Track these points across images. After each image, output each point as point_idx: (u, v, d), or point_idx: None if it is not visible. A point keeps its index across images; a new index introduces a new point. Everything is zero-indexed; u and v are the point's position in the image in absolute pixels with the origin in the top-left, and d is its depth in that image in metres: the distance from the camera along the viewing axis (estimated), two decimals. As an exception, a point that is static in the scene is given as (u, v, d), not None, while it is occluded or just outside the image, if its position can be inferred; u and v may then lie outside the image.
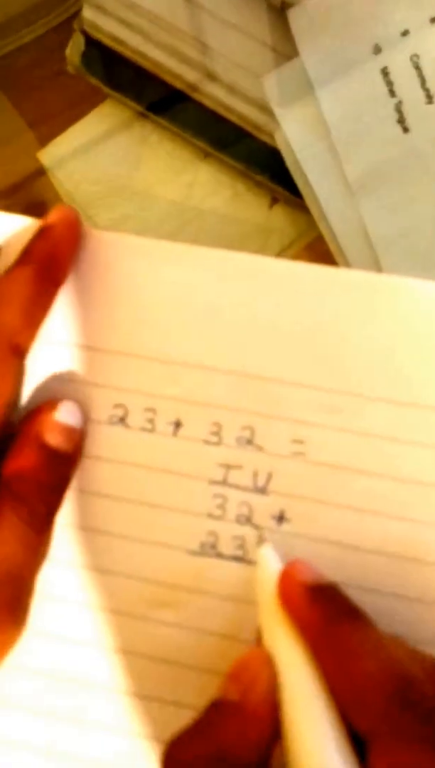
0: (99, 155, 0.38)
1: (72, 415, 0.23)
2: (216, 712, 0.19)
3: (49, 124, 0.39)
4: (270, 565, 0.22)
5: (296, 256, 0.38)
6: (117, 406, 0.24)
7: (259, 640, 0.21)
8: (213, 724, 0.19)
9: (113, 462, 0.24)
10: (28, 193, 0.39)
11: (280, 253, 0.38)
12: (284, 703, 0.19)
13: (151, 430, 0.24)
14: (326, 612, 0.20)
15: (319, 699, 0.19)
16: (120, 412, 0.24)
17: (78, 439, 0.23)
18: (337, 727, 0.18)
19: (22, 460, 0.22)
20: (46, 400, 0.24)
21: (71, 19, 0.37)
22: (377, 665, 0.18)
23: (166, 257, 0.24)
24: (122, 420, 0.24)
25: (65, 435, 0.23)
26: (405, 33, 0.35)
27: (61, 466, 0.23)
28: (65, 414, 0.23)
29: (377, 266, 0.34)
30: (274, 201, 0.38)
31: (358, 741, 0.18)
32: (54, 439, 0.23)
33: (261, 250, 0.37)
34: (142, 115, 0.37)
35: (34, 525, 0.22)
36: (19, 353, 0.23)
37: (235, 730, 0.19)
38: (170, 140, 0.38)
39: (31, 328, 0.23)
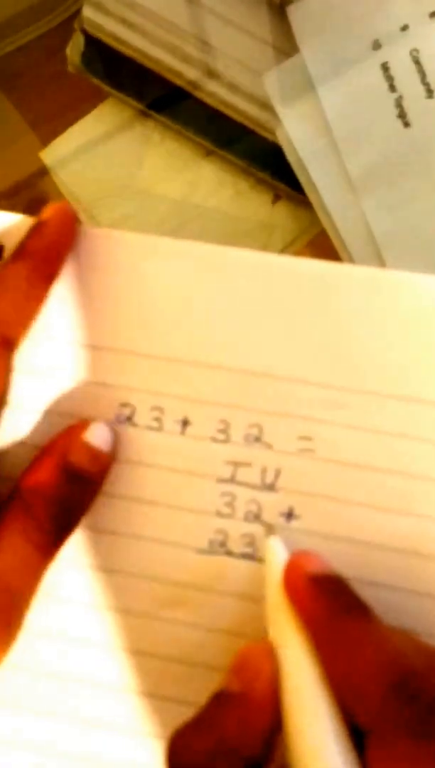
0: (101, 154, 0.38)
1: (102, 438, 0.23)
2: (218, 704, 0.19)
3: (51, 125, 0.38)
4: (277, 555, 0.22)
5: (299, 253, 0.37)
6: (124, 405, 0.24)
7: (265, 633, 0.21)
8: (215, 716, 0.19)
9: (120, 461, 0.23)
10: (31, 193, 0.39)
11: (284, 250, 0.37)
12: (285, 694, 0.19)
13: (159, 429, 0.23)
14: (329, 603, 0.20)
15: (320, 691, 0.18)
16: (127, 411, 0.23)
17: (104, 464, 0.23)
18: (336, 719, 0.18)
19: (41, 474, 0.22)
20: (78, 421, 0.23)
21: (71, 19, 0.37)
22: (378, 658, 0.18)
23: (171, 255, 0.24)
24: (129, 419, 0.23)
25: (90, 457, 0.22)
26: (404, 28, 0.34)
27: (80, 488, 0.22)
28: (94, 436, 0.23)
29: (380, 261, 0.34)
30: (277, 198, 0.37)
31: (358, 734, 0.18)
32: (78, 459, 0.22)
33: (264, 246, 0.37)
34: (143, 114, 0.37)
35: (40, 544, 0.21)
36: (8, 346, 0.23)
37: (238, 722, 0.18)
38: (172, 139, 0.37)
39: (23, 321, 0.23)
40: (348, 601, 0.20)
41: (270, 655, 0.20)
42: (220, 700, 0.19)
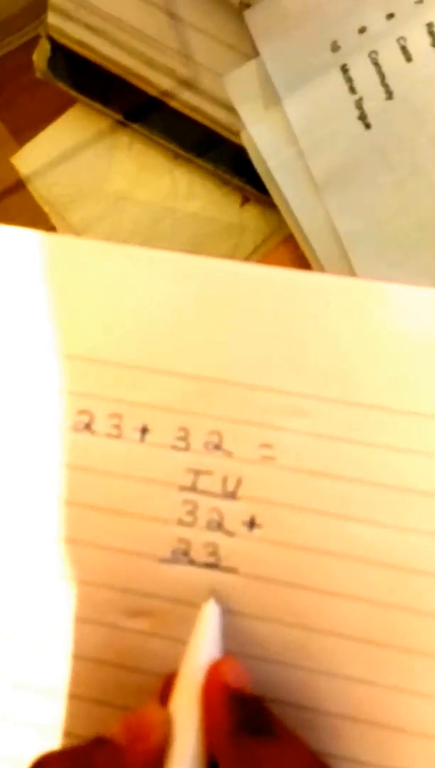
0: (73, 157, 0.35)
1: None
2: (98, 748, 0.17)
3: (32, 133, 0.35)
4: (206, 632, 0.19)
5: (271, 254, 0.34)
6: (82, 412, 0.21)
7: (164, 692, 0.18)
8: (90, 758, 0.17)
9: (80, 469, 0.20)
10: (12, 203, 0.35)
11: (255, 251, 0.34)
12: None
13: (118, 436, 0.20)
14: (239, 722, 0.17)
15: None
16: (85, 418, 0.20)
17: None
18: None
19: None
20: None
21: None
22: None
23: (131, 262, 0.21)
24: (88, 426, 0.20)
25: None
26: (362, 30, 0.31)
27: None
28: None
29: (347, 262, 0.31)
30: (245, 200, 0.34)
31: None
32: None
33: (235, 248, 0.34)
34: (111, 118, 0.34)
35: None
36: None
37: None
38: (142, 142, 0.34)
39: None
40: (258, 724, 0.18)
41: (165, 725, 0.17)
42: (101, 744, 0.17)
